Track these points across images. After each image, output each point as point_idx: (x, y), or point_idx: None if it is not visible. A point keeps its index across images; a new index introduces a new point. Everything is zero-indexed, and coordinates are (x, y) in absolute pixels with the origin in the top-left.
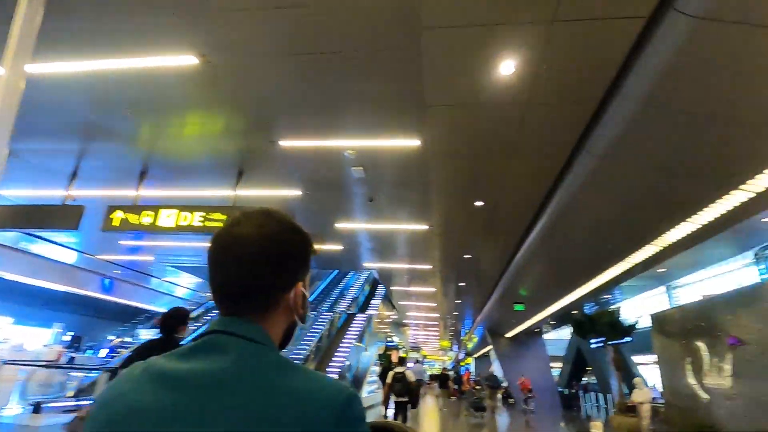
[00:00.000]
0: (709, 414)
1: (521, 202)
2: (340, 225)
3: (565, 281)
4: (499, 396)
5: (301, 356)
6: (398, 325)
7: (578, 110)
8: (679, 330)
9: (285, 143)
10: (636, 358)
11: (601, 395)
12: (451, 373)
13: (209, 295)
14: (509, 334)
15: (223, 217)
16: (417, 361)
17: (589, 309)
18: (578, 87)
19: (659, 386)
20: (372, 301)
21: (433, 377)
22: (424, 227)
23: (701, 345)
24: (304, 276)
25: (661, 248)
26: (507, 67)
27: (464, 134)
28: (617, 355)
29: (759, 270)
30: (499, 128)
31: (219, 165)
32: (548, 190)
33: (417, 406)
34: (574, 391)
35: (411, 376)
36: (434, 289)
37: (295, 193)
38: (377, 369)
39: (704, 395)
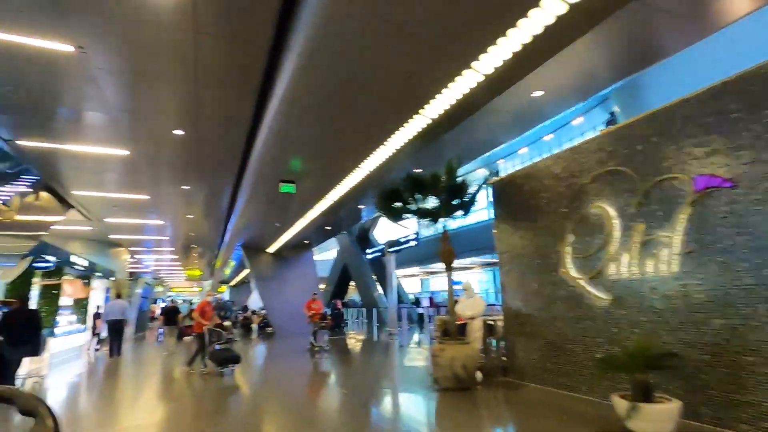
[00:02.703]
0: (615, 324)
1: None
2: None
3: (352, 141)
4: (255, 327)
5: None
6: (103, 244)
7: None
8: (559, 194)
9: None
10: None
11: (364, 310)
12: (188, 305)
13: None
14: (271, 249)
15: None
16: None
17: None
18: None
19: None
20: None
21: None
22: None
23: (609, 210)
24: None
25: None
26: None
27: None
28: (446, 244)
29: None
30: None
31: None
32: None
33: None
34: (337, 310)
35: None
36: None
37: None
38: None
39: (602, 295)
